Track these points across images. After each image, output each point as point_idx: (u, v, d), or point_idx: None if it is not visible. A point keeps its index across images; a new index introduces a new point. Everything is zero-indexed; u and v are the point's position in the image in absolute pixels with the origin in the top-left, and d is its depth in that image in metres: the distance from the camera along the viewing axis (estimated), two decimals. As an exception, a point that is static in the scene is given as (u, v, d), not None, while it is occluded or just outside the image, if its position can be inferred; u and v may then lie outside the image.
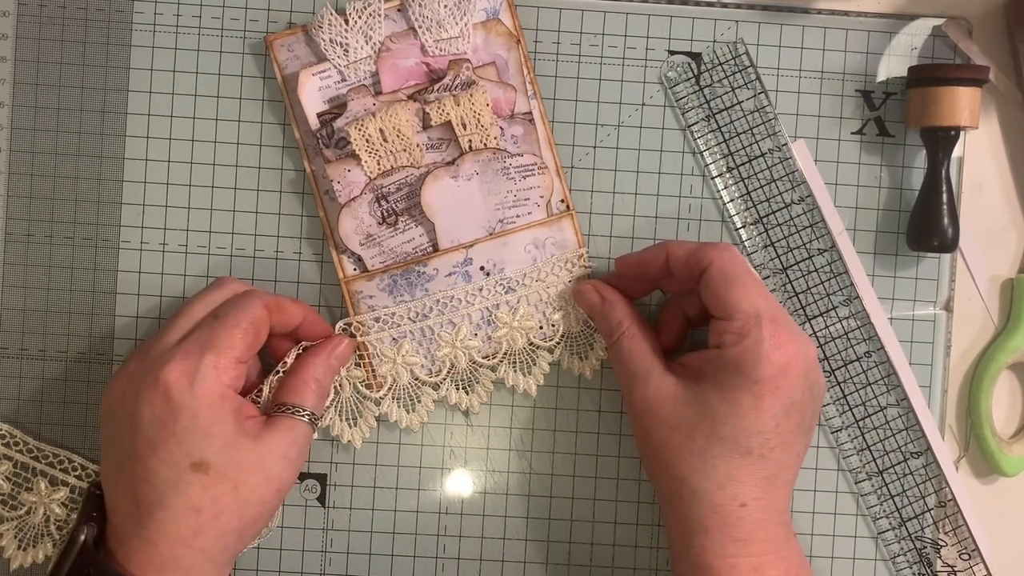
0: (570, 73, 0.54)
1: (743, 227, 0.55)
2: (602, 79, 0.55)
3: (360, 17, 0.52)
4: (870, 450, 0.55)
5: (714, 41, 0.55)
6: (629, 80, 0.55)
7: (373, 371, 0.53)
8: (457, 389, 0.54)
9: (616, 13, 0.54)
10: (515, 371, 0.54)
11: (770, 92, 0.55)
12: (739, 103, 0.55)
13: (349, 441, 0.54)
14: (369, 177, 0.52)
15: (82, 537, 0.46)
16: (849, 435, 0.55)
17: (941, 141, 0.53)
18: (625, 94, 0.55)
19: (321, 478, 0.55)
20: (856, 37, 0.55)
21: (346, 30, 0.52)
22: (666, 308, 0.53)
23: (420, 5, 0.52)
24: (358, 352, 0.53)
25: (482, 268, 0.53)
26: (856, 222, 0.55)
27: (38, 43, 0.54)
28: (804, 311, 0.55)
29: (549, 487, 0.55)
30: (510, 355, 0.54)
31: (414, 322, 0.53)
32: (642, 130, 0.55)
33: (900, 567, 0.55)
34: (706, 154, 0.55)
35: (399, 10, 0.52)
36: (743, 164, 0.55)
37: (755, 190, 0.55)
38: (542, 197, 0.53)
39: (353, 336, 0.53)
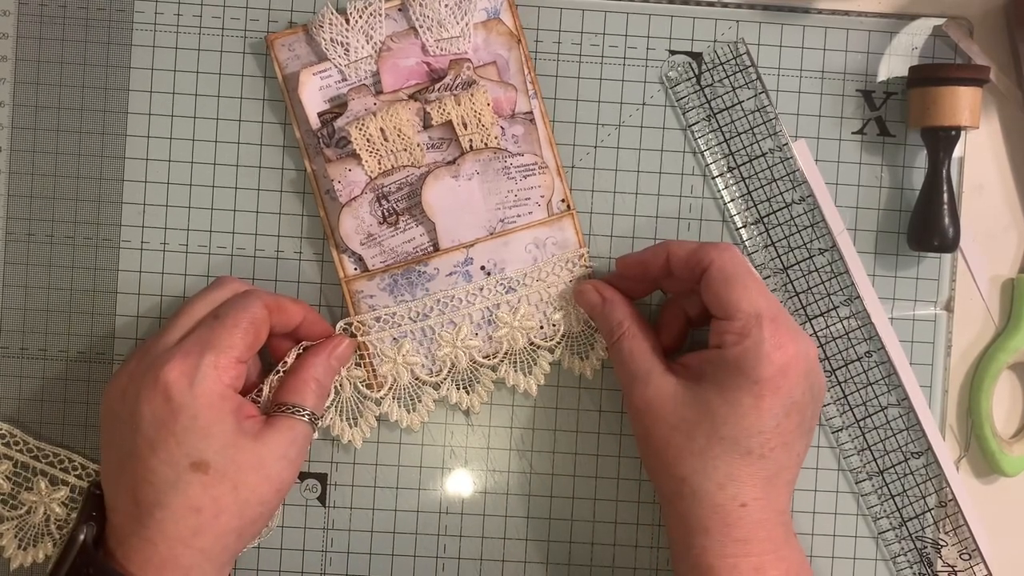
0: (571, 73, 0.54)
1: (744, 227, 0.55)
2: (603, 79, 0.55)
3: (361, 16, 0.52)
4: (870, 450, 0.55)
5: (715, 41, 0.55)
6: (630, 80, 0.55)
7: (374, 371, 0.53)
8: (458, 389, 0.54)
9: (617, 13, 0.54)
10: (516, 371, 0.54)
11: (771, 92, 0.55)
12: (740, 103, 0.55)
13: (349, 441, 0.54)
14: (370, 177, 0.52)
15: (81, 536, 0.46)
16: (849, 435, 0.55)
17: (942, 141, 0.53)
18: (626, 94, 0.55)
19: (321, 478, 0.55)
20: (857, 37, 0.55)
21: (347, 29, 0.52)
22: (666, 308, 0.53)
23: (421, 5, 0.52)
24: (358, 352, 0.53)
25: (483, 268, 0.53)
26: (857, 222, 0.55)
27: (39, 42, 0.54)
28: (805, 311, 0.55)
29: (549, 487, 0.55)
30: (511, 355, 0.54)
31: (415, 322, 0.53)
32: (643, 130, 0.55)
33: (900, 567, 0.55)
34: (707, 154, 0.55)
35: (400, 10, 0.52)
36: (744, 164, 0.55)
37: (756, 190, 0.55)
38: (543, 197, 0.53)
39: (353, 336, 0.53)
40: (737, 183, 0.55)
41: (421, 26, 0.52)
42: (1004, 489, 0.57)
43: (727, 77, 0.55)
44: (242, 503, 0.46)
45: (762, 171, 0.55)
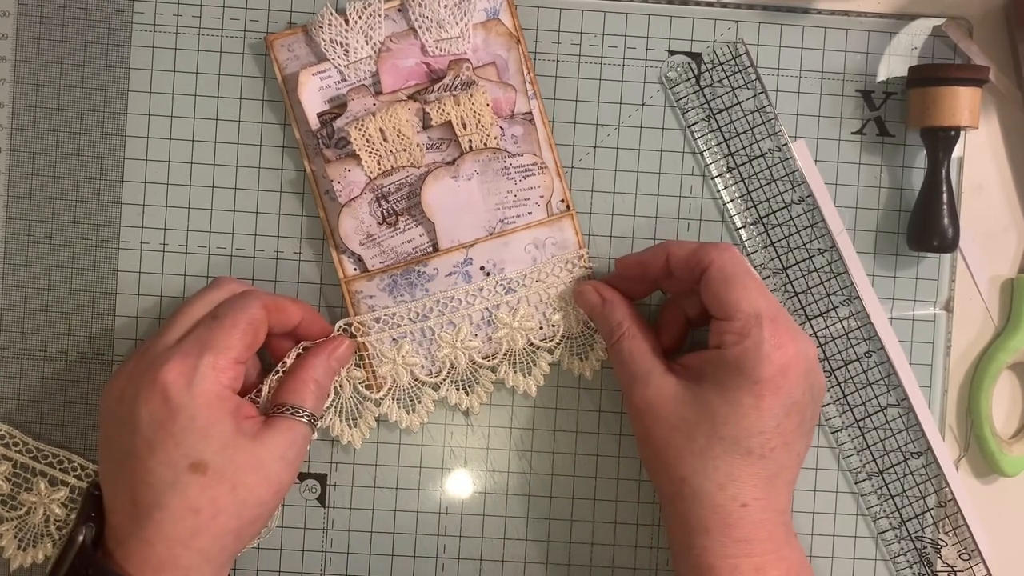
0: (570, 73, 0.54)
1: (743, 227, 0.55)
2: (602, 79, 0.55)
3: (360, 17, 0.52)
4: (870, 450, 0.55)
5: (714, 41, 0.55)
6: (629, 80, 0.55)
7: (373, 371, 0.53)
8: (457, 390, 0.54)
9: (616, 13, 0.54)
10: (515, 372, 0.54)
11: (770, 92, 0.55)
12: (739, 103, 0.55)
13: (349, 442, 0.54)
14: (369, 177, 0.52)
15: (80, 537, 0.46)
16: (849, 435, 0.55)
17: (941, 141, 0.53)
18: (625, 94, 0.55)
19: (321, 478, 0.55)
20: (856, 37, 0.55)
21: (346, 30, 0.52)
22: (666, 308, 0.53)
23: (420, 5, 0.52)
24: (358, 352, 0.53)
25: (482, 268, 0.53)
26: (856, 222, 0.55)
27: (38, 43, 0.54)
28: (804, 311, 0.55)
29: (549, 487, 0.55)
30: (510, 356, 0.54)
31: (414, 322, 0.53)
32: (642, 130, 0.55)
33: (900, 567, 0.55)
34: (706, 154, 0.55)
35: (399, 10, 0.52)
36: (743, 164, 0.55)
37: (755, 190, 0.55)
38: (542, 197, 0.53)
39: (353, 336, 0.53)
40: (736, 183, 0.55)
41: (420, 27, 0.52)
42: (1004, 489, 0.57)
43: (726, 77, 0.55)
44: (240, 504, 0.46)
45: (762, 171, 0.55)
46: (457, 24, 0.52)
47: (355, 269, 0.53)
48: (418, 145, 0.52)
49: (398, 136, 0.51)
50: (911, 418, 0.55)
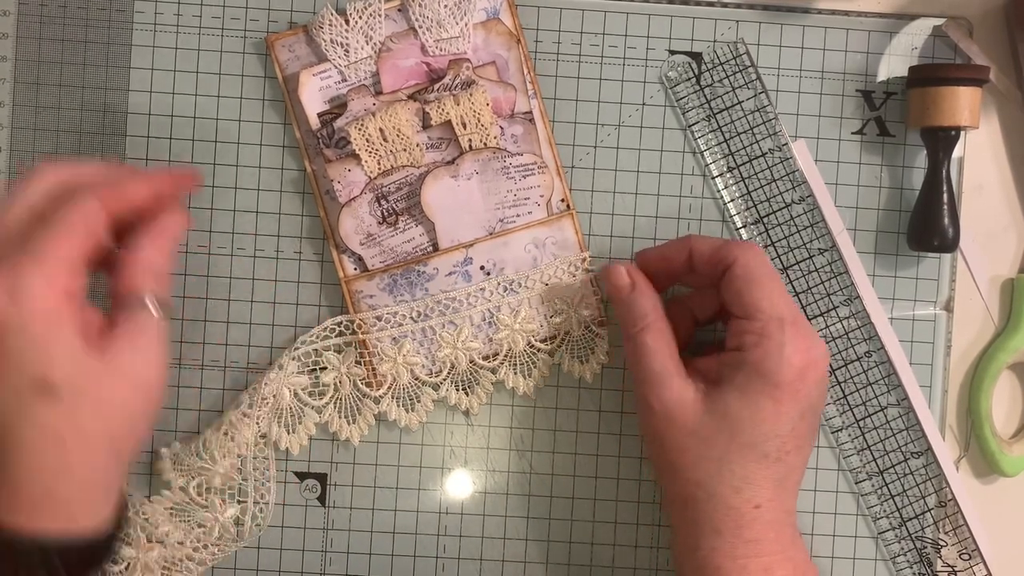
0: (570, 73, 0.54)
1: (743, 227, 0.55)
2: (602, 79, 0.55)
3: (361, 17, 0.52)
4: (870, 450, 0.55)
5: (714, 41, 0.55)
6: (629, 80, 0.55)
7: (373, 370, 0.53)
8: (457, 390, 0.54)
9: (616, 13, 0.54)
10: (515, 373, 0.54)
11: (770, 92, 0.55)
12: (739, 103, 0.55)
13: (347, 439, 0.54)
14: (369, 177, 0.52)
15: None
16: (849, 435, 0.55)
17: (941, 141, 0.53)
18: (625, 94, 0.55)
19: (321, 478, 0.55)
20: (856, 37, 0.55)
21: (347, 30, 0.52)
22: (671, 307, 0.53)
23: (420, 5, 0.52)
24: (358, 350, 0.53)
25: (482, 268, 0.53)
26: (856, 222, 0.55)
27: (39, 42, 0.54)
28: (804, 311, 0.55)
29: (549, 487, 0.55)
30: (511, 357, 0.54)
31: (415, 322, 0.53)
32: (642, 130, 0.55)
33: (900, 567, 0.55)
34: (706, 154, 0.55)
35: (399, 10, 0.52)
36: (743, 164, 0.55)
37: (755, 190, 0.55)
38: (542, 196, 0.53)
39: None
40: (737, 183, 0.55)
41: (420, 26, 0.52)
42: (1004, 489, 0.57)
43: (727, 77, 0.55)
44: (108, 420, 0.41)
45: (762, 171, 0.55)
46: (457, 24, 0.52)
47: (355, 269, 0.53)
48: (418, 145, 0.52)
49: (398, 136, 0.51)
50: (911, 418, 0.55)
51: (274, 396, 0.53)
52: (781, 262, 0.55)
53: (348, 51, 0.52)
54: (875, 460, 0.55)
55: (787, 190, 0.55)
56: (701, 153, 0.55)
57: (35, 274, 0.40)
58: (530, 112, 0.53)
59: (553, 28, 0.54)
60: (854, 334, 0.55)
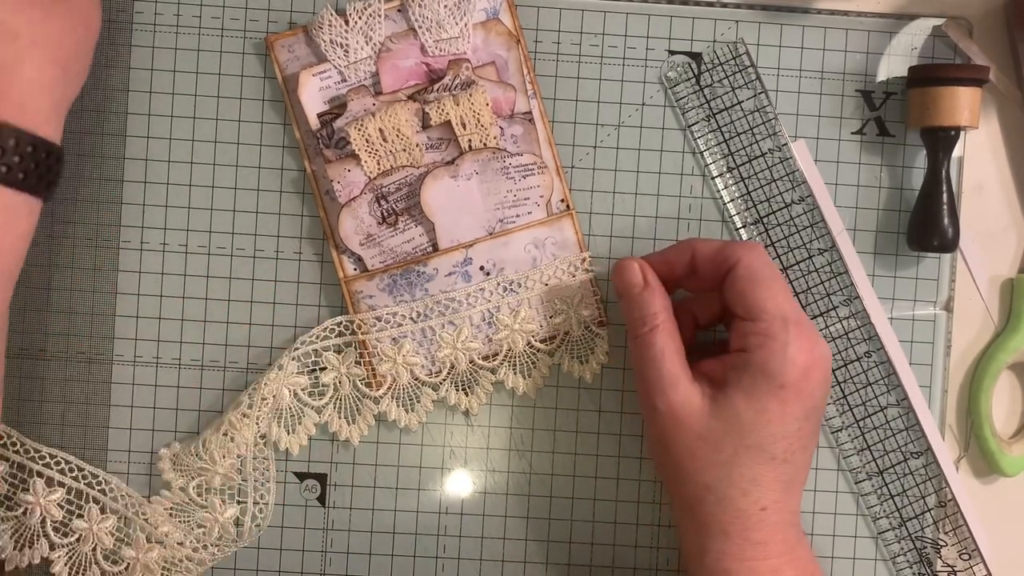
0: (570, 73, 0.54)
1: (743, 227, 0.55)
2: (602, 79, 0.55)
3: (360, 18, 0.52)
4: (870, 450, 0.55)
5: (714, 41, 0.55)
6: (629, 80, 0.55)
7: (373, 370, 0.53)
8: (457, 390, 0.54)
9: (616, 13, 0.54)
10: (515, 373, 0.54)
11: (770, 92, 0.55)
12: (739, 103, 0.55)
13: (347, 439, 0.54)
14: (369, 177, 0.52)
15: None
16: (849, 435, 0.55)
17: (941, 141, 0.53)
18: (625, 94, 0.55)
19: (321, 478, 0.55)
20: (856, 37, 0.55)
21: (346, 31, 0.52)
22: (674, 311, 0.53)
23: (420, 5, 0.52)
24: (358, 350, 0.53)
25: (482, 268, 0.53)
26: (856, 222, 0.55)
27: (38, 43, 0.53)
28: (804, 311, 0.55)
29: (549, 487, 0.55)
30: (510, 357, 0.54)
31: (415, 322, 0.53)
32: (642, 130, 0.55)
33: (900, 567, 0.55)
34: (706, 154, 0.55)
35: (399, 10, 0.52)
36: (743, 164, 0.55)
37: (755, 190, 0.55)
38: (542, 197, 0.53)
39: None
40: (737, 183, 0.55)
41: (420, 27, 0.52)
42: (1004, 489, 0.57)
43: (726, 77, 0.55)
44: (54, 33, 0.45)
45: (762, 171, 0.55)
46: (457, 24, 0.52)
47: (355, 269, 0.53)
48: (418, 145, 0.52)
49: (398, 136, 0.51)
50: (911, 418, 0.55)
51: (274, 396, 0.53)
52: (781, 262, 0.55)
53: (348, 51, 0.52)
54: (875, 460, 0.55)
55: (787, 190, 0.55)
56: (701, 153, 0.55)
57: None
58: (530, 112, 0.53)
59: (553, 28, 0.54)
60: (854, 334, 0.55)
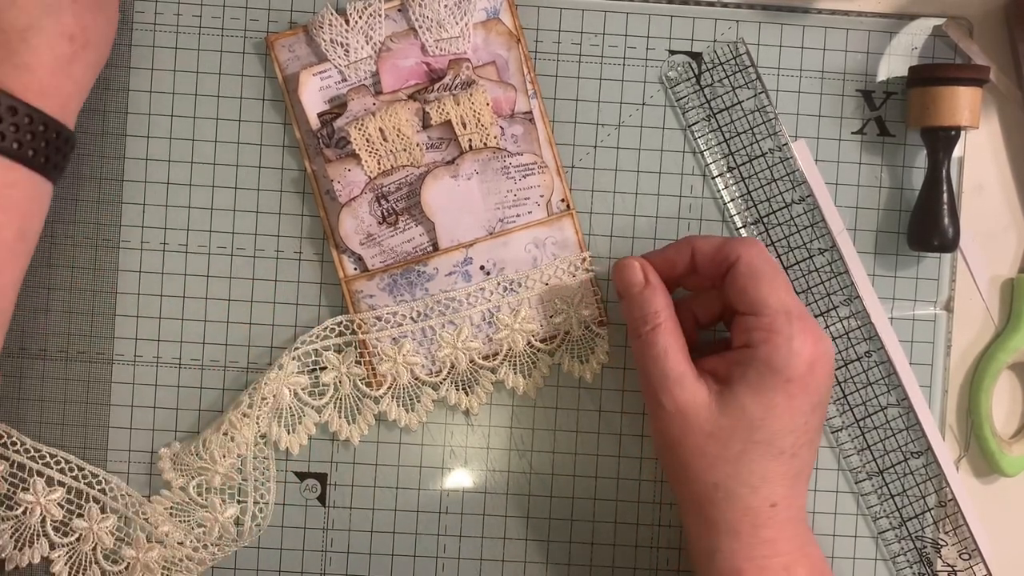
0: (570, 73, 0.54)
1: (743, 227, 0.55)
2: (602, 79, 0.55)
3: (360, 17, 0.52)
4: (870, 450, 0.55)
5: (714, 41, 0.55)
6: (629, 80, 0.55)
7: (373, 370, 0.53)
8: (457, 390, 0.54)
9: (616, 13, 0.54)
10: (515, 373, 0.54)
11: (770, 92, 0.55)
12: (739, 103, 0.55)
13: (347, 439, 0.54)
14: (369, 177, 0.52)
15: None
16: (849, 435, 0.55)
17: (941, 141, 0.53)
18: (625, 94, 0.55)
19: (321, 478, 0.55)
20: (856, 37, 0.55)
21: (347, 30, 0.52)
22: (675, 309, 0.53)
23: (420, 5, 0.52)
24: (358, 350, 0.53)
25: (482, 267, 0.53)
26: (856, 222, 0.55)
27: (38, 42, 0.53)
28: (804, 311, 0.55)
29: (549, 487, 0.55)
30: (510, 357, 0.54)
31: (415, 322, 0.53)
32: (642, 130, 0.55)
33: (900, 567, 0.55)
34: (706, 154, 0.55)
35: (399, 10, 0.52)
36: (743, 164, 0.55)
37: (755, 190, 0.55)
38: (542, 196, 0.53)
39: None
40: (737, 183, 0.55)
41: (420, 26, 0.52)
42: (1004, 489, 0.57)
43: (727, 77, 0.55)
44: (102, 36, 0.47)
45: (762, 171, 0.55)
46: (457, 24, 0.52)
47: (355, 268, 0.53)
48: (418, 145, 0.52)
49: (398, 136, 0.51)
50: (911, 418, 0.55)
51: (274, 396, 0.53)
52: (781, 262, 0.55)
53: (348, 51, 0.52)
54: (875, 460, 0.55)
55: (787, 190, 0.55)
56: (701, 153, 0.55)
57: None
58: (530, 112, 0.53)
59: (553, 28, 0.54)
60: (854, 334, 0.55)
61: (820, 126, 0.55)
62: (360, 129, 0.51)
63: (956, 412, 0.56)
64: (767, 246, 0.55)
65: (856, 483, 0.55)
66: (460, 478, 0.55)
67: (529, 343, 0.54)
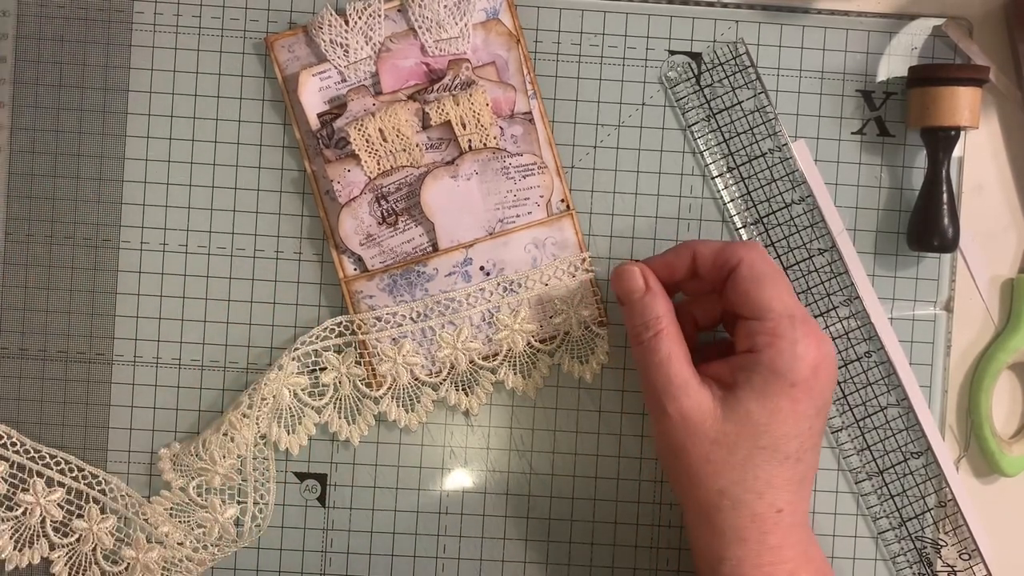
0: (570, 73, 0.54)
1: (743, 227, 0.55)
2: (602, 79, 0.55)
3: (360, 18, 0.52)
4: (870, 450, 0.55)
5: (714, 41, 0.55)
6: (629, 80, 0.55)
7: (373, 370, 0.53)
8: (457, 390, 0.54)
9: (616, 13, 0.54)
10: (515, 373, 0.54)
11: (770, 92, 0.55)
12: (739, 103, 0.55)
13: (347, 439, 0.54)
14: (369, 177, 0.52)
15: None
16: (849, 435, 0.55)
17: (941, 141, 0.53)
18: (625, 94, 0.55)
19: (321, 478, 0.55)
20: (856, 37, 0.55)
21: (346, 31, 0.52)
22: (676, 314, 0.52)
23: (420, 5, 0.52)
24: (358, 351, 0.53)
25: (482, 268, 0.53)
26: (856, 222, 0.55)
27: (38, 43, 0.54)
28: (804, 311, 0.55)
29: (549, 487, 0.55)
30: (510, 357, 0.54)
31: (415, 322, 0.53)
32: (642, 130, 0.55)
33: (900, 567, 0.55)
34: (706, 154, 0.55)
35: (399, 10, 0.52)
36: (743, 164, 0.55)
37: (755, 190, 0.55)
38: (542, 197, 0.53)
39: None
40: (737, 183, 0.55)
41: (420, 27, 0.52)
42: (1004, 489, 0.57)
43: (726, 77, 0.55)
44: None
45: (762, 171, 0.55)
46: (457, 24, 0.52)
47: (355, 269, 0.53)
48: (417, 145, 0.52)
49: (398, 136, 0.51)
50: (911, 418, 0.55)
51: (274, 396, 0.53)
52: (781, 262, 0.55)
53: (348, 51, 0.52)
54: (875, 460, 0.55)
55: (787, 190, 0.55)
56: (701, 153, 0.55)
57: None
58: (530, 112, 0.53)
59: (553, 28, 0.54)
60: (854, 334, 0.55)
61: (820, 126, 0.55)
62: (360, 129, 0.51)
63: (956, 412, 0.56)
64: (767, 246, 0.55)
65: (856, 483, 0.55)
66: (460, 478, 0.55)
67: (529, 343, 0.54)
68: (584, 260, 0.54)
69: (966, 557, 0.55)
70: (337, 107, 0.52)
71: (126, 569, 0.53)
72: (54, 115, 0.54)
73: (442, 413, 0.55)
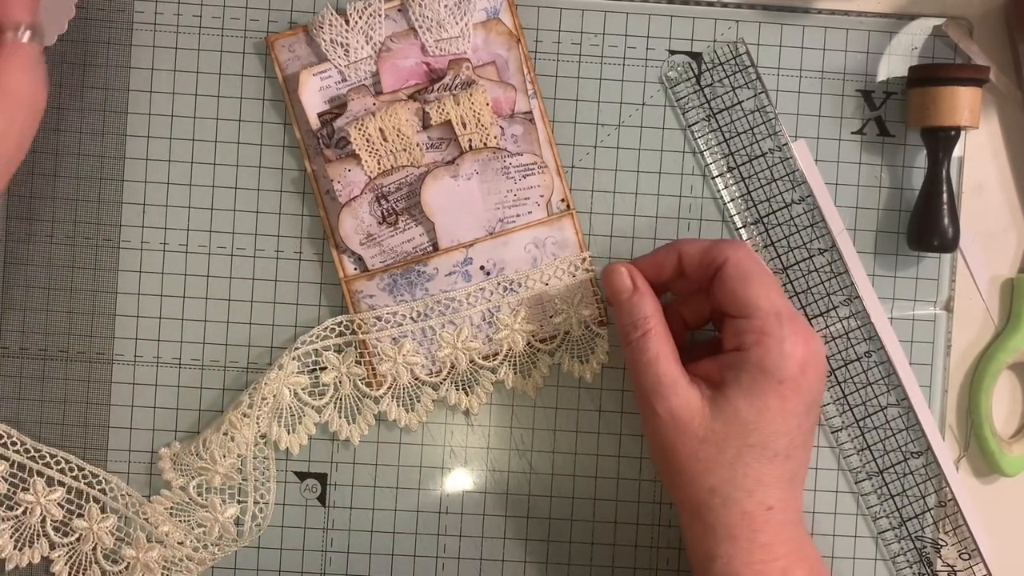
0: (570, 73, 0.54)
1: (743, 227, 0.55)
2: (602, 79, 0.55)
3: (361, 17, 0.52)
4: (870, 450, 0.55)
5: (714, 41, 0.55)
6: (629, 80, 0.55)
7: (373, 370, 0.53)
8: (457, 390, 0.54)
9: (616, 13, 0.54)
10: (515, 373, 0.54)
11: (770, 92, 0.55)
12: (739, 103, 0.55)
13: (347, 439, 0.54)
14: (369, 177, 0.52)
15: None
16: (849, 435, 0.55)
17: (941, 141, 0.53)
18: (625, 94, 0.55)
19: (321, 478, 0.55)
20: (856, 37, 0.55)
21: (347, 30, 0.52)
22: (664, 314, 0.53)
23: (420, 5, 0.52)
24: (358, 350, 0.53)
25: (482, 267, 0.53)
26: (856, 222, 0.55)
27: (39, 42, 0.53)
28: (804, 311, 0.55)
29: (549, 487, 0.55)
30: (510, 357, 0.54)
31: (415, 322, 0.53)
32: (642, 130, 0.55)
33: (900, 567, 0.55)
34: (706, 154, 0.55)
35: (399, 10, 0.52)
36: (743, 164, 0.55)
37: (755, 190, 0.55)
38: (542, 196, 0.53)
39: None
40: (737, 183, 0.55)
41: (420, 26, 0.52)
42: (1004, 489, 0.57)
43: (727, 77, 0.55)
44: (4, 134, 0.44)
45: (762, 171, 0.55)
46: (457, 24, 0.52)
47: (355, 268, 0.53)
48: (418, 145, 0.52)
49: (398, 136, 0.51)
50: (911, 418, 0.55)
51: (274, 396, 0.53)
52: (781, 262, 0.55)
53: (348, 51, 0.52)
54: (875, 460, 0.55)
55: (787, 190, 0.55)
56: (701, 153, 0.55)
57: None
58: (530, 112, 0.53)
59: (553, 28, 0.54)
60: (854, 334, 0.55)
61: (820, 126, 0.55)
62: (360, 129, 0.51)
63: (956, 412, 0.56)
64: (767, 246, 0.55)
65: (856, 483, 0.55)
66: (460, 478, 0.55)
67: (529, 343, 0.54)
68: (584, 260, 0.54)
69: (966, 557, 0.55)
70: (337, 107, 0.52)
71: (126, 568, 0.53)
72: (55, 115, 0.54)
73: (442, 413, 0.55)
